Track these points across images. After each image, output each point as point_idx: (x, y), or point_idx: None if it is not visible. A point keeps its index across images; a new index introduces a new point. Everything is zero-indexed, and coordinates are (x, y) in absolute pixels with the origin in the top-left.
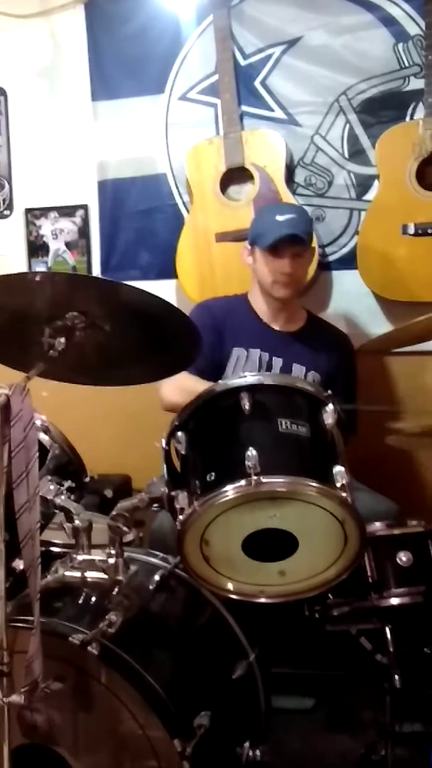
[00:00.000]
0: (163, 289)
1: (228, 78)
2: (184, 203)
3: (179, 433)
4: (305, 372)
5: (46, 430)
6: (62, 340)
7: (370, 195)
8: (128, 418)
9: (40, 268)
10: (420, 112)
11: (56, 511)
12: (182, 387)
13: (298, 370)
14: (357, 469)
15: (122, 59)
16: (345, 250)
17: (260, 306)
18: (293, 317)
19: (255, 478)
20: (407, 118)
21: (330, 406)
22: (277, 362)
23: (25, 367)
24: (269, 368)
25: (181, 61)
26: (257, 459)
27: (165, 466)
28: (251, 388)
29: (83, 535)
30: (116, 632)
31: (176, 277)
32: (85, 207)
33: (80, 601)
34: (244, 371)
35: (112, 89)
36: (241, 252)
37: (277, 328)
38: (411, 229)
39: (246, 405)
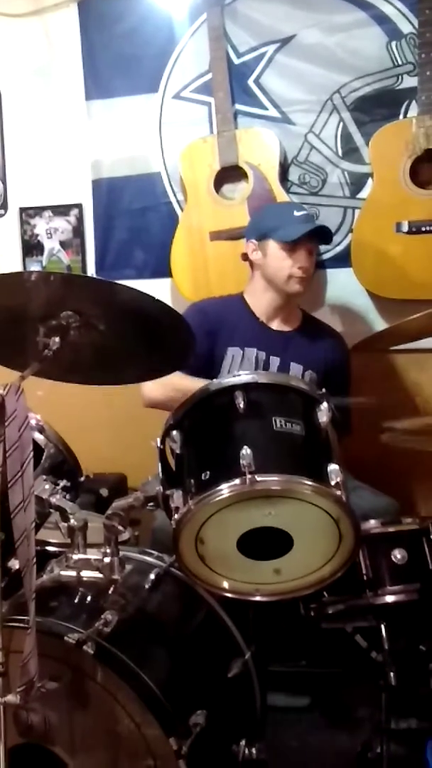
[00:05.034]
0: (157, 287)
1: (221, 76)
2: (178, 202)
3: (174, 432)
4: (303, 371)
5: (41, 430)
6: (57, 339)
7: (364, 193)
8: (123, 417)
9: (35, 267)
10: (413, 110)
11: (51, 510)
12: (166, 383)
13: (295, 369)
14: (357, 467)
15: (116, 58)
16: (339, 248)
17: (258, 304)
18: (290, 316)
19: (250, 476)
20: (401, 116)
21: (324, 405)
22: (275, 361)
23: (20, 367)
24: (266, 367)
25: (174, 59)
26: (252, 457)
27: (160, 464)
28: (245, 387)
29: (79, 535)
30: (112, 631)
31: (171, 275)
32: (79, 206)
33: (76, 601)
34: (240, 370)
35: (105, 88)
36: (245, 247)
37: (274, 327)
38: (405, 227)
39: (240, 403)
